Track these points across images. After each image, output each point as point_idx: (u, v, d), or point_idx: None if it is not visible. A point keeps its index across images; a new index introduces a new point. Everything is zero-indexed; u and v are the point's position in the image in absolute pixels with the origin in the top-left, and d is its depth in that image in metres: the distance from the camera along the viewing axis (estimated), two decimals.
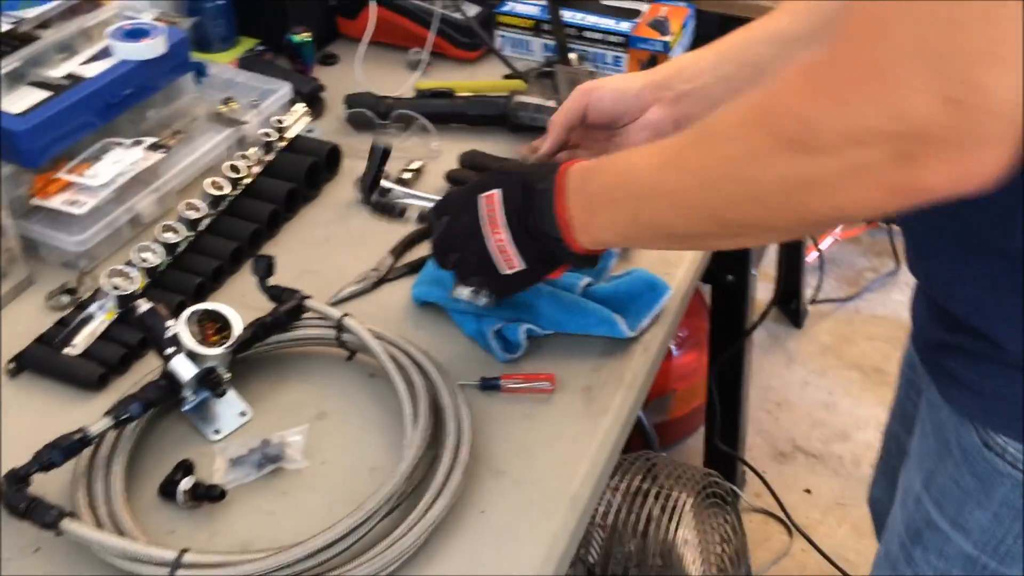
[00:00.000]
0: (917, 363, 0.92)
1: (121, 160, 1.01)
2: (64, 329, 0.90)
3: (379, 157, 1.01)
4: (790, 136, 0.57)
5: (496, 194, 0.78)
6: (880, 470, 1.21)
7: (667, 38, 1.32)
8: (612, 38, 1.34)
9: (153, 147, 1.05)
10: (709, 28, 1.39)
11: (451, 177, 1.16)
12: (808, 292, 2.36)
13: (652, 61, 1.33)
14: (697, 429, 1.94)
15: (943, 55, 0.49)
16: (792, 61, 0.90)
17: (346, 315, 0.88)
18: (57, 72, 1.01)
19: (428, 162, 1.18)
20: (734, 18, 1.37)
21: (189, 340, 0.78)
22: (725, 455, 1.74)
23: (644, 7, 1.38)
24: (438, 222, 0.84)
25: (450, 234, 0.83)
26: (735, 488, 1.41)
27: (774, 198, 0.61)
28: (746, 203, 0.63)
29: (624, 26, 1.34)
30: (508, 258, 0.79)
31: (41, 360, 0.89)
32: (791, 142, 0.57)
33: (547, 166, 0.79)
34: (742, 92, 0.92)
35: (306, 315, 0.90)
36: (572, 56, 1.34)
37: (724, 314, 1.70)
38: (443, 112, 1.24)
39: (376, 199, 1.00)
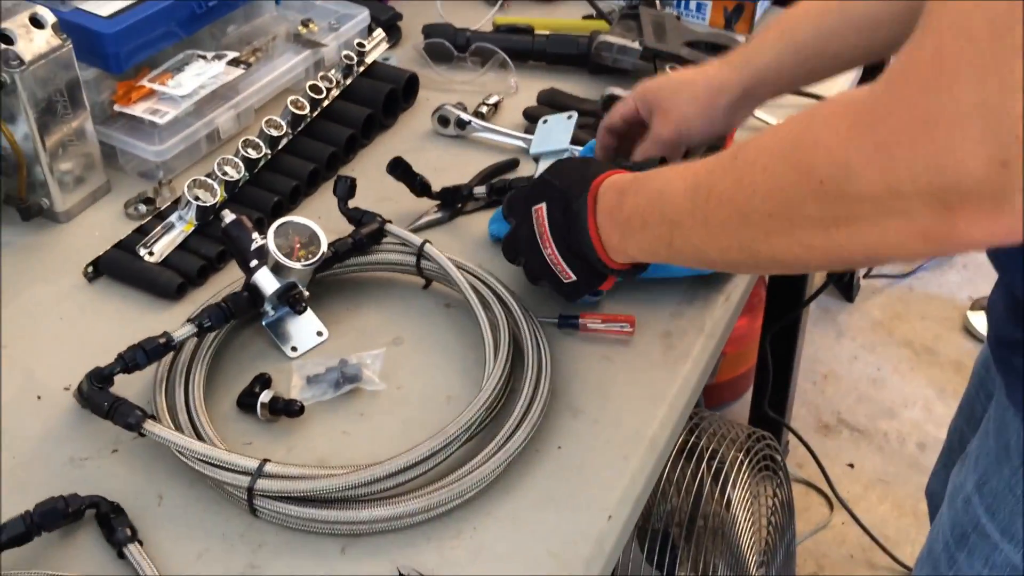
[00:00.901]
0: (991, 363, 0.90)
1: (203, 73, 1.00)
2: (143, 237, 0.89)
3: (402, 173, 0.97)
4: (825, 177, 0.55)
5: (543, 209, 0.79)
6: (941, 463, 1.18)
7: None
8: None
9: (234, 62, 1.03)
10: None
11: (528, 113, 1.13)
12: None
13: (738, 10, 1.29)
14: (742, 396, 1.92)
15: (1003, 119, 0.47)
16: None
17: (427, 242, 0.87)
18: None
19: (506, 98, 1.16)
20: None
21: (277, 252, 0.77)
22: (769, 423, 1.72)
23: None
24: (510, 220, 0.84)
25: (516, 239, 0.83)
26: (783, 458, 1.40)
27: (806, 235, 0.59)
28: (778, 237, 0.61)
29: None
30: (563, 270, 0.79)
31: (120, 266, 0.88)
32: (826, 183, 0.55)
33: (583, 179, 0.77)
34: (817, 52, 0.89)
35: (385, 240, 0.88)
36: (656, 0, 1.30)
37: (782, 282, 1.67)
38: (522, 48, 1.21)
39: (442, 190, 0.97)
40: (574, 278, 0.79)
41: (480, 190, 0.98)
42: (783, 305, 1.67)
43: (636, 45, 1.16)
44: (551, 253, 0.79)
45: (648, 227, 0.71)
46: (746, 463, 1.24)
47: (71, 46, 0.89)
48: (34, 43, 0.86)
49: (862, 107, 0.53)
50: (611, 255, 0.76)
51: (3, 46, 0.85)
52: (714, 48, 1.21)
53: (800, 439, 1.74)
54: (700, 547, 1.21)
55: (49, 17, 0.88)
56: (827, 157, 0.55)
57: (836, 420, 2.03)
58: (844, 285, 2.31)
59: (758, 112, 1.12)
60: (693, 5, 1.32)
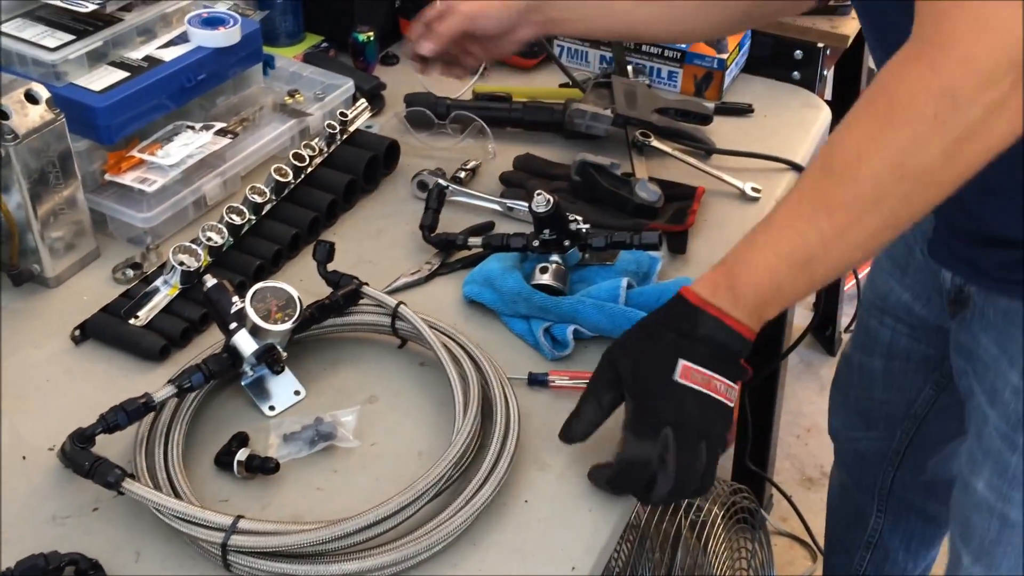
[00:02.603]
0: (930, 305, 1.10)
1: (191, 143, 1.05)
2: (129, 301, 0.93)
3: (436, 197, 1.07)
4: (935, 112, 0.67)
5: (683, 363, 0.74)
6: (837, 402, 1.38)
7: (723, 56, 1.34)
8: (668, 53, 1.36)
9: (221, 132, 1.08)
10: (763, 49, 1.41)
11: (505, 179, 1.18)
12: (844, 320, 2.35)
13: (707, 78, 1.35)
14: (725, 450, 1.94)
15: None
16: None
17: (401, 303, 0.90)
18: (136, 54, 1.05)
19: (483, 163, 1.21)
20: (787, 39, 1.39)
21: (254, 315, 0.81)
22: (752, 477, 1.73)
23: None
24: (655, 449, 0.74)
25: (686, 431, 0.74)
26: (762, 509, 1.42)
27: (939, 170, 0.68)
28: (916, 192, 0.69)
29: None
30: (720, 392, 0.75)
31: (106, 329, 0.92)
32: (938, 115, 0.67)
33: (674, 313, 0.76)
34: (614, 14, 1.08)
35: (362, 301, 0.92)
36: (628, 68, 1.36)
37: (761, 336, 1.70)
38: (500, 116, 1.26)
39: (437, 235, 1.05)
40: (731, 395, 0.75)
41: (475, 240, 1.02)
42: (763, 358, 1.70)
43: (608, 112, 1.21)
44: (712, 387, 0.74)
45: (783, 288, 0.73)
46: (721, 515, 1.26)
47: (64, 120, 0.93)
48: (28, 117, 0.91)
49: (929, 45, 0.67)
50: (750, 326, 0.75)
51: None
52: (684, 115, 1.27)
53: (782, 492, 1.75)
54: None
55: (43, 93, 0.93)
56: (932, 96, 0.66)
57: (819, 473, 2.05)
58: (826, 338, 2.34)
59: (722, 174, 1.17)
60: (665, 73, 1.38)
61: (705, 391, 0.74)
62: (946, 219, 0.96)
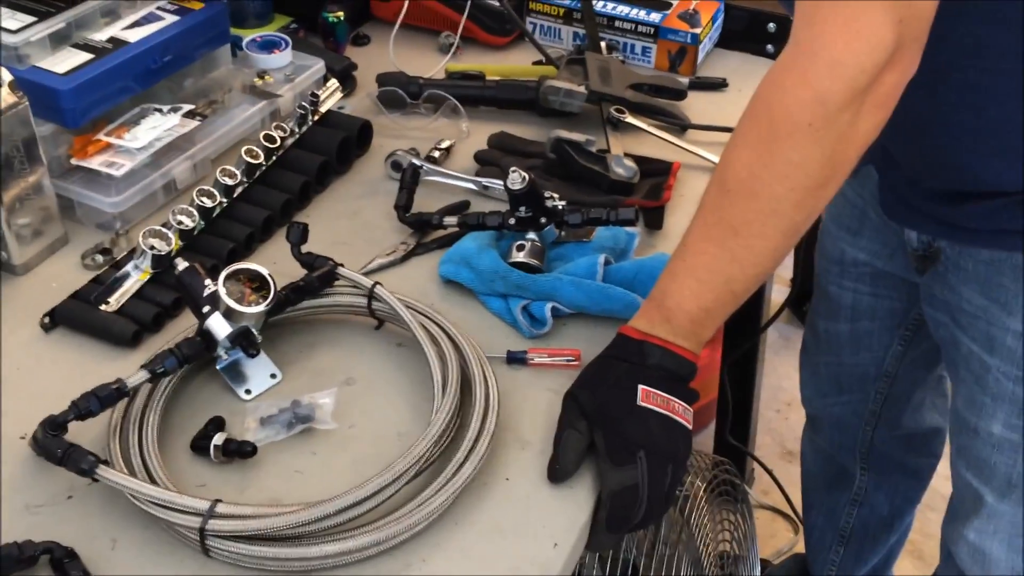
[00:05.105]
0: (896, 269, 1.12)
1: (159, 126, 1.03)
2: (99, 287, 0.91)
3: (410, 177, 1.06)
4: (810, 121, 0.70)
5: (643, 387, 0.77)
6: (808, 371, 1.40)
7: (696, 30, 1.33)
8: (642, 28, 1.35)
9: (190, 115, 1.06)
10: (737, 23, 1.41)
11: (480, 157, 1.17)
12: None
13: (681, 53, 1.34)
14: (707, 426, 1.94)
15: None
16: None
17: (377, 283, 0.89)
18: (100, 35, 1.03)
19: (457, 142, 1.20)
20: (762, 13, 1.39)
21: (227, 298, 0.80)
22: (734, 452, 1.75)
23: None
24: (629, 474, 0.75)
25: (656, 453, 0.75)
26: (743, 483, 1.43)
27: (822, 175, 0.73)
28: (807, 198, 0.74)
29: (654, 17, 1.35)
30: (679, 413, 0.78)
31: (76, 316, 0.90)
32: (812, 124, 0.70)
33: (622, 348, 0.80)
34: None
35: (337, 283, 0.91)
36: (602, 45, 1.35)
37: (739, 311, 1.70)
38: (474, 95, 1.25)
39: (411, 215, 1.04)
40: (685, 413, 0.78)
41: (451, 220, 1.02)
42: (740, 333, 1.71)
43: (582, 89, 1.20)
44: (671, 408, 0.77)
45: (713, 312, 0.78)
46: (703, 488, 1.27)
47: (28, 103, 0.91)
48: None
49: (795, 56, 0.71)
50: (691, 349, 0.79)
51: None
52: (658, 90, 1.26)
53: (763, 466, 1.77)
54: (661, 572, 1.23)
55: (5, 76, 0.91)
56: (804, 108, 0.70)
57: (800, 447, 2.06)
58: (804, 313, 2.35)
59: (697, 149, 1.17)
60: (639, 49, 1.37)
61: (667, 413, 0.77)
62: (906, 178, 0.97)
